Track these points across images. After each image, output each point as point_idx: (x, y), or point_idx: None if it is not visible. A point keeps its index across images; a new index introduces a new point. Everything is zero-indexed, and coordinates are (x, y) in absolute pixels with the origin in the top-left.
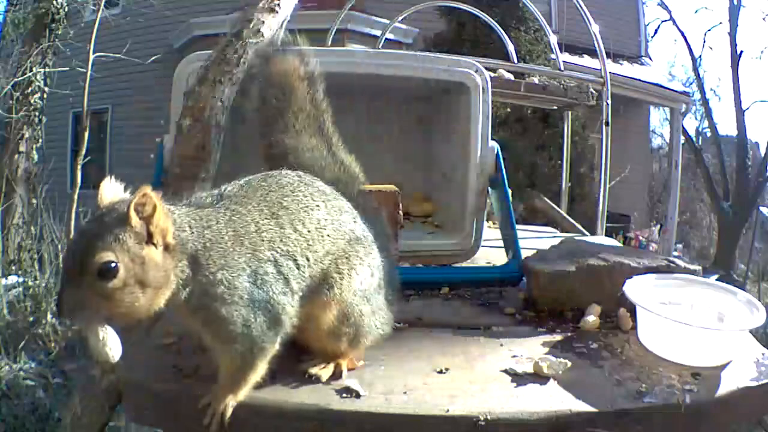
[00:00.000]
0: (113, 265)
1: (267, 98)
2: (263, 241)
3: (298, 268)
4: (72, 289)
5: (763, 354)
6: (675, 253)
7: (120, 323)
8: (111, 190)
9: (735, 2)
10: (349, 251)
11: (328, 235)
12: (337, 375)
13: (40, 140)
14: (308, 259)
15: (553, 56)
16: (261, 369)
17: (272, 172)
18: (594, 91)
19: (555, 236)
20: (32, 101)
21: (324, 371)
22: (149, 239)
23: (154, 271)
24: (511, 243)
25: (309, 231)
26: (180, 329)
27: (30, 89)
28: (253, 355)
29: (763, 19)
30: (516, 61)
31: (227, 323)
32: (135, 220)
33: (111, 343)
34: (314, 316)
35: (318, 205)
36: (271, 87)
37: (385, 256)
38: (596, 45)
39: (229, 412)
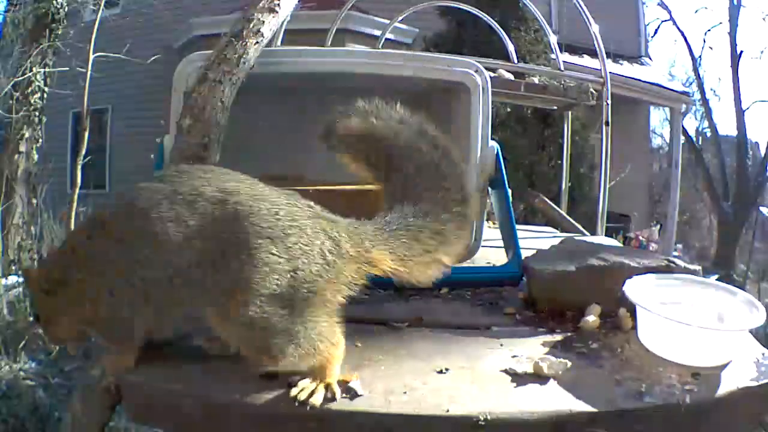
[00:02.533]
0: None
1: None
2: None
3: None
4: None
5: (763, 354)
6: (675, 253)
7: None
8: None
9: (735, 2)
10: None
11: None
12: (330, 398)
13: (40, 140)
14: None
15: (553, 56)
16: None
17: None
18: (594, 91)
19: (555, 236)
20: (32, 101)
21: (316, 397)
22: None
23: None
24: (511, 243)
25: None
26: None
27: (30, 89)
28: None
29: (763, 19)
30: (516, 61)
31: None
32: None
33: None
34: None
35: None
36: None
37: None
38: (596, 45)
39: None
